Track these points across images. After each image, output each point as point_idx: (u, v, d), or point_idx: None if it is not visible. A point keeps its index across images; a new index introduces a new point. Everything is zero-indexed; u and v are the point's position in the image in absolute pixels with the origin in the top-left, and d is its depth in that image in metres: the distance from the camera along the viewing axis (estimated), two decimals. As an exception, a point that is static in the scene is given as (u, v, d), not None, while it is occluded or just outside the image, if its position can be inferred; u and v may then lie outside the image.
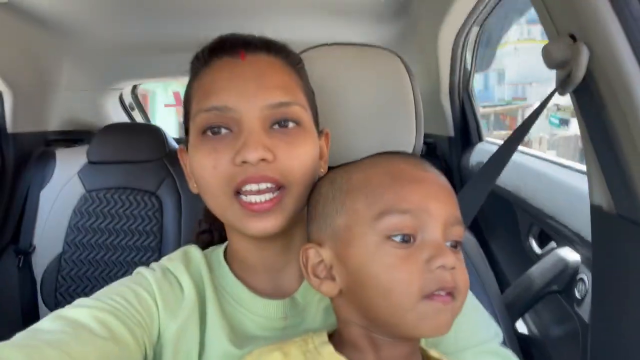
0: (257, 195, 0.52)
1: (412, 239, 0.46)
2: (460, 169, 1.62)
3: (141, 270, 0.58)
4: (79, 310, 0.50)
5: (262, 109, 0.53)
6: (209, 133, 0.53)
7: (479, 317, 0.59)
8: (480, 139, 1.56)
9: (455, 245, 0.48)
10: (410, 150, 0.86)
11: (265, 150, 0.51)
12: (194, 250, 0.62)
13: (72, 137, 1.97)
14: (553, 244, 0.98)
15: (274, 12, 1.44)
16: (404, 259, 0.45)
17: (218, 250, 0.63)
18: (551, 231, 0.97)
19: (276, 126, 0.54)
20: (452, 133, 1.61)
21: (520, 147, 1.40)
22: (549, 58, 0.66)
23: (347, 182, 0.50)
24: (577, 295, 0.84)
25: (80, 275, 1.67)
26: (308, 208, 0.54)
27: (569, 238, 0.90)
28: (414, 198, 0.46)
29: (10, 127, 1.68)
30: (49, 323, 0.48)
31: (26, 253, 1.65)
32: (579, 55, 0.62)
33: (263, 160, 0.51)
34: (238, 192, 0.52)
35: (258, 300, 0.57)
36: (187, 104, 0.59)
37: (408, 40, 1.54)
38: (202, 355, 0.54)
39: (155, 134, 1.78)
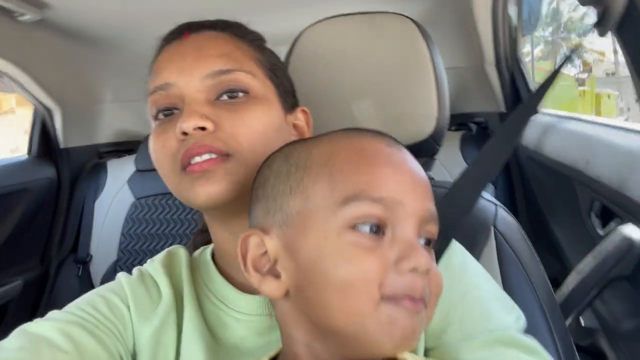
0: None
1: (381, 233, 0.38)
2: (515, 147, 1.46)
3: (119, 275, 0.56)
4: (44, 324, 0.48)
5: (202, 79, 0.51)
6: (161, 116, 0.52)
7: (491, 302, 0.51)
8: (535, 111, 1.40)
9: (429, 242, 0.41)
10: (432, 124, 0.77)
11: (203, 118, 0.48)
12: (178, 251, 0.59)
13: (123, 148, 2.02)
14: (618, 220, 0.83)
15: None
16: (369, 252, 0.37)
17: (207, 250, 0.60)
18: (613, 205, 0.83)
19: (224, 97, 0.51)
20: (503, 108, 1.47)
21: (569, 113, 1.24)
22: (580, -8, 0.54)
23: (306, 157, 0.42)
24: (647, 280, 0.70)
25: (135, 281, 1.71)
26: (254, 186, 0.47)
27: (633, 212, 0.76)
28: (390, 185, 0.39)
29: (62, 143, 1.76)
30: (11, 340, 0.46)
31: (84, 262, 1.72)
32: (615, -17, 0.50)
33: (203, 129, 0.48)
34: (186, 167, 0.49)
35: (240, 296, 0.52)
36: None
37: (444, 11, 1.41)
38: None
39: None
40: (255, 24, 0.63)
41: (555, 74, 0.63)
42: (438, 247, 0.51)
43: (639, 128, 0.86)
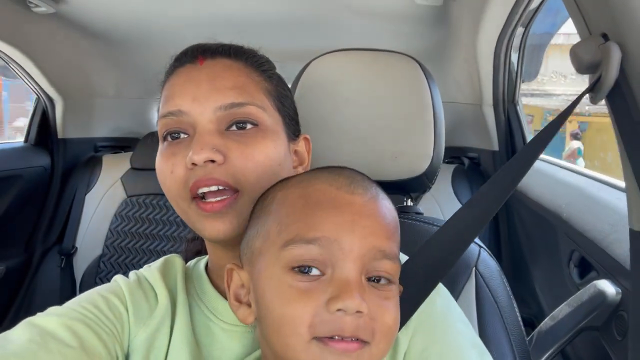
0: (211, 197, 0.51)
1: (320, 272, 0.41)
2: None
3: (117, 277, 0.57)
4: (50, 318, 0.49)
5: (214, 110, 0.52)
6: (169, 138, 0.54)
7: (467, 346, 0.53)
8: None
9: (379, 279, 0.42)
10: (427, 163, 0.79)
11: (213, 151, 0.50)
12: (175, 259, 0.61)
13: (120, 144, 2.04)
14: (594, 273, 0.87)
15: (306, 20, 1.42)
16: (301, 294, 0.40)
17: (201, 261, 0.62)
18: (592, 259, 0.86)
19: (233, 128, 0.52)
20: (496, 147, 1.51)
21: (559, 161, 1.28)
22: (577, 60, 0.58)
23: (271, 201, 0.47)
24: (616, 334, 0.72)
25: (117, 278, 1.71)
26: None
27: (610, 268, 0.79)
28: (325, 227, 0.41)
29: (60, 133, 1.77)
30: (18, 331, 0.48)
31: (68, 254, 1.72)
32: (609, 56, 0.53)
33: (212, 162, 0.50)
34: (195, 197, 0.51)
35: (228, 307, 0.54)
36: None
37: (449, 48, 1.46)
38: None
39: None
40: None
41: (560, 121, 0.62)
42: (424, 287, 0.53)
43: (624, 186, 0.89)
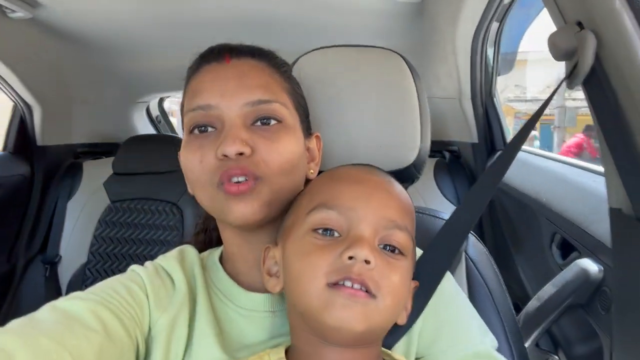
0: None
1: (336, 234, 0.47)
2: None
3: (134, 267, 0.60)
4: (74, 302, 0.51)
5: (242, 106, 0.55)
6: (196, 131, 0.56)
7: (474, 326, 0.59)
8: (505, 144, 1.49)
9: (394, 250, 0.48)
10: (415, 154, 0.82)
11: (243, 144, 0.53)
12: (189, 249, 0.64)
13: (100, 150, 2.02)
14: (576, 253, 0.91)
15: (286, 19, 1.43)
16: (321, 248, 0.46)
17: (214, 253, 0.65)
18: (573, 240, 0.90)
19: (258, 123, 0.56)
20: (475, 139, 1.55)
21: (539, 151, 1.33)
22: (554, 48, 0.61)
23: (305, 189, 0.55)
24: (600, 309, 0.76)
25: (103, 285, 1.69)
26: None
27: (591, 247, 0.83)
28: (345, 196, 0.48)
29: (39, 140, 1.75)
30: (44, 314, 0.49)
31: (52, 263, 1.70)
32: (585, 44, 0.56)
33: (241, 154, 0.53)
34: (223, 184, 0.54)
35: (245, 294, 0.58)
36: (181, 108, 0.61)
37: (428, 43, 1.49)
38: (188, 349, 0.54)
39: (177, 145, 1.80)
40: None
41: (539, 114, 0.66)
42: (435, 277, 0.59)
43: (601, 170, 0.94)
